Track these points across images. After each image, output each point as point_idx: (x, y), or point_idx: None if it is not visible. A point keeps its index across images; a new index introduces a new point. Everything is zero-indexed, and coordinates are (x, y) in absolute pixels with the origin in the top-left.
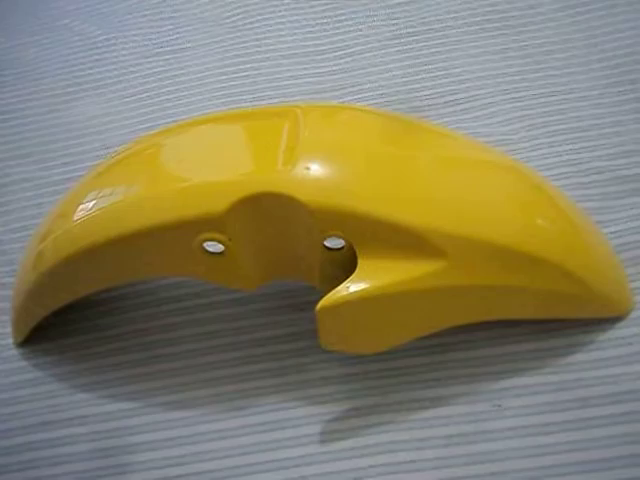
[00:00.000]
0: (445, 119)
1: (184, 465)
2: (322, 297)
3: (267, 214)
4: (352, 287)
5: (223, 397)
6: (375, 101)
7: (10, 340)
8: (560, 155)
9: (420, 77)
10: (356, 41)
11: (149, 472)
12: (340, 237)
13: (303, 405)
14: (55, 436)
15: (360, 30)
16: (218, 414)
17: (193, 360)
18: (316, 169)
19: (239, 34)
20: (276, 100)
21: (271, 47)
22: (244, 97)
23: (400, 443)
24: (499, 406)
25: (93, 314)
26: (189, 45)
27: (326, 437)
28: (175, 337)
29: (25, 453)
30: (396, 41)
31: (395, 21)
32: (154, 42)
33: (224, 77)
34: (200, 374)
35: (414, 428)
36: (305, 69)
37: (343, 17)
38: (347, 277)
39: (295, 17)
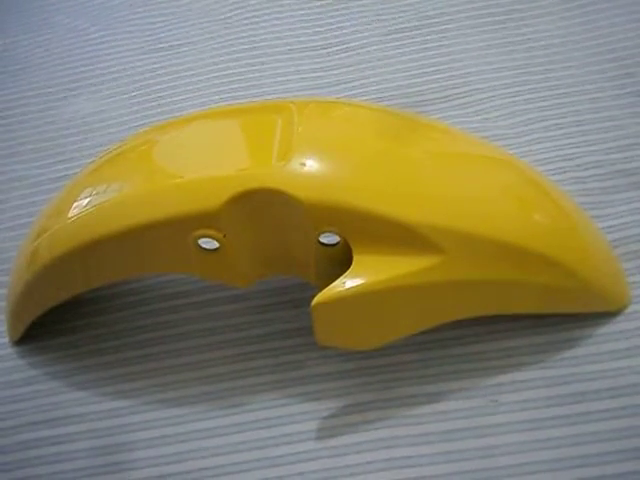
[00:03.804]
0: (442, 114)
1: (181, 462)
2: (318, 293)
3: (262, 210)
4: (348, 283)
5: (220, 394)
6: (372, 96)
7: (6, 339)
8: (557, 150)
9: (417, 72)
10: (353, 36)
11: (147, 470)
12: (335, 233)
13: (300, 402)
14: (52, 434)
15: (357, 25)
16: (215, 411)
17: (189, 357)
18: (311, 165)
19: (235, 30)
20: (272, 96)
21: (267, 43)
22: (239, 93)
23: (397, 439)
24: (496, 401)
25: (88, 312)
26: (184, 41)
27: (323, 433)
28: (171, 335)
29: (22, 451)
30: (393, 36)
31: (392, 16)
32: (149, 38)
33: (219, 73)
34: (196, 371)
35: (411, 424)
36: (302, 65)
37: (340, 12)
38: (343, 273)
39: (291, 12)
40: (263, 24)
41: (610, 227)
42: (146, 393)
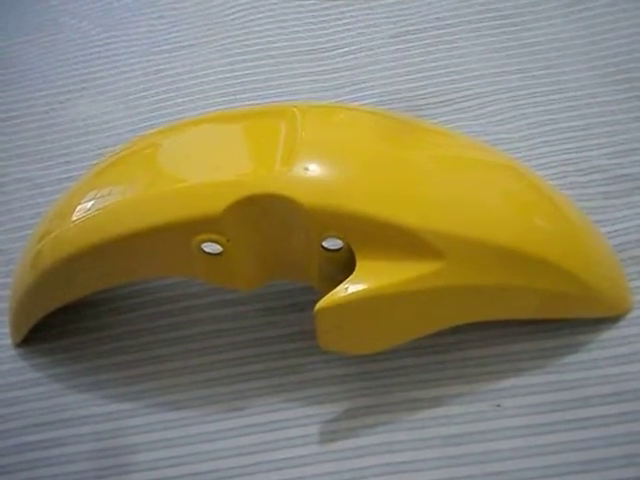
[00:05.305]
0: (443, 118)
1: (182, 465)
2: (320, 298)
3: (265, 215)
4: (350, 288)
5: (222, 398)
6: (373, 100)
7: (8, 341)
8: (559, 154)
9: (418, 76)
10: (354, 40)
11: (148, 472)
12: (338, 238)
13: (302, 405)
14: (53, 437)
15: (359, 29)
16: (217, 415)
17: (191, 360)
18: (314, 170)
19: (237, 32)
20: (274, 99)
21: (269, 46)
22: (242, 96)
23: (399, 443)
24: (498, 406)
25: (91, 315)
26: (188, 43)
27: (325, 437)
28: (173, 337)
29: (24, 454)
30: (394, 40)
31: (394, 19)
32: (152, 40)
33: (222, 76)
34: (198, 375)
35: (413, 428)
36: (303, 68)
37: (342, 16)
38: (345, 278)
39: (293, 15)
40: (266, 26)
41: (612, 232)
42: (148, 396)
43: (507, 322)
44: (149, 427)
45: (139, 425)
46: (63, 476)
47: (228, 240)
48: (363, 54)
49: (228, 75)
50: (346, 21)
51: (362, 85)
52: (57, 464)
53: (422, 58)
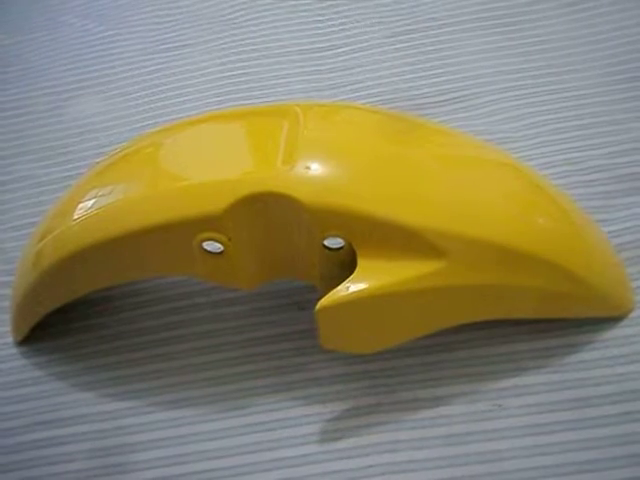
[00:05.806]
0: (445, 117)
1: (184, 464)
2: (322, 296)
3: (266, 214)
4: (352, 287)
5: (223, 396)
6: (374, 99)
7: (10, 339)
8: (561, 153)
9: (419, 75)
10: (355, 39)
11: (148, 471)
12: (340, 237)
13: (303, 404)
14: (55, 435)
15: (354, 29)
16: (218, 413)
17: (193, 359)
18: (316, 169)
19: (238, 32)
20: (275, 98)
21: (270, 45)
22: (243, 95)
23: (400, 443)
24: (499, 406)
25: (93, 313)
26: (188, 42)
27: (326, 436)
28: (175, 336)
29: (25, 452)
30: (395, 39)
31: (394, 18)
32: (154, 39)
33: (223, 75)
34: (200, 373)
35: (414, 428)
36: (303, 67)
37: (337, 15)
38: (347, 277)
39: (294, 15)
40: (265, 26)
41: (614, 231)
42: (149, 395)
43: (508, 322)
44: (150, 426)
45: (140, 424)
46: (64, 474)
47: (229, 239)
48: (359, 54)
49: (228, 74)
50: (341, 21)
51: (358, 85)
52: (58, 463)
53: (422, 57)
